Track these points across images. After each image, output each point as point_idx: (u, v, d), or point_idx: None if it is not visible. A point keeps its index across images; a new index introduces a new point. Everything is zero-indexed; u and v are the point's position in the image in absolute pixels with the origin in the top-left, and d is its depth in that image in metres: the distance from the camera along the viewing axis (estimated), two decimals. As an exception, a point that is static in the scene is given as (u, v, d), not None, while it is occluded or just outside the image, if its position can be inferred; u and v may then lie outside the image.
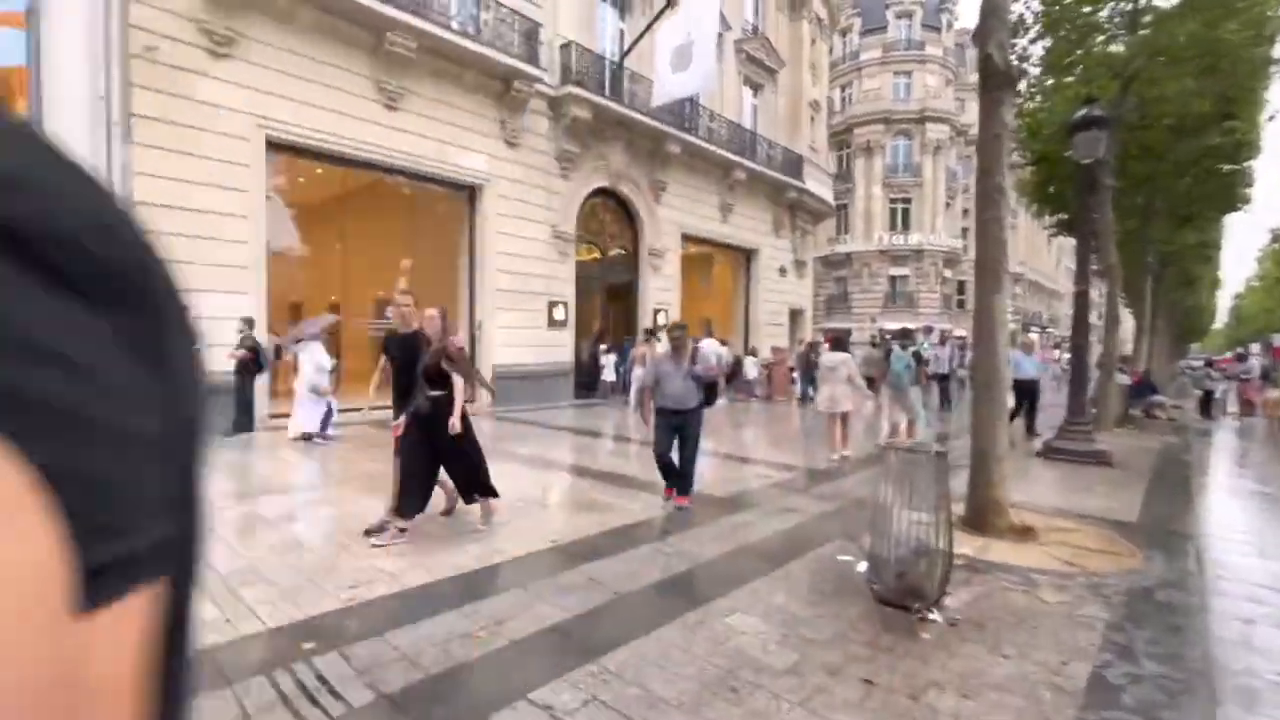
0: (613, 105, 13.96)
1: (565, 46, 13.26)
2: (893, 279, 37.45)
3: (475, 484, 4.51)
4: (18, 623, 0.17)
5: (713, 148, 17.00)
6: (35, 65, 7.48)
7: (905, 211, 37.06)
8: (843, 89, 39.19)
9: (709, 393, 5.24)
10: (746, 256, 20.50)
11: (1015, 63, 5.68)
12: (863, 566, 3.58)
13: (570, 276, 14.21)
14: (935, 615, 3.13)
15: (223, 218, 8.96)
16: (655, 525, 4.57)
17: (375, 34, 10.25)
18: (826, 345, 16.42)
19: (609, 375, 14.35)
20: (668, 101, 13.96)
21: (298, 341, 8.26)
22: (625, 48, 14.70)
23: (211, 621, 2.87)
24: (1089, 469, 7.26)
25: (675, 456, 5.10)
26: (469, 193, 12.48)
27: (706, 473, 6.57)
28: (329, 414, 8.49)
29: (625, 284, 16.37)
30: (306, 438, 8.22)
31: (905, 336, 10.73)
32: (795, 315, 22.94)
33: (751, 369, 16.44)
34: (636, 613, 3.09)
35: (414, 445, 4.21)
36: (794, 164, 20.50)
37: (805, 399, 14.57)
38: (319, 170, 11.77)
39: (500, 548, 4.02)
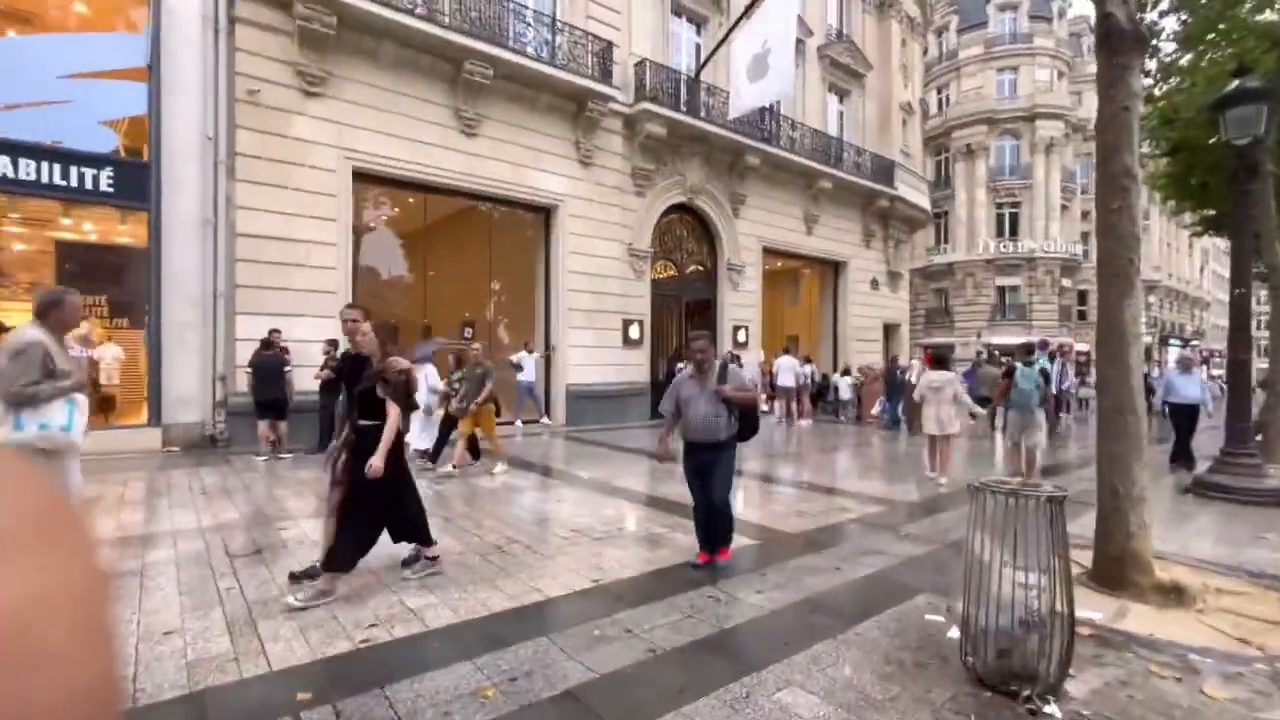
0: (687, 119, 13.70)
1: (639, 64, 13.20)
2: (1001, 290, 34.49)
3: (405, 529, 3.86)
4: (69, 636, 0.21)
5: (794, 157, 16.32)
6: (155, 113, 8.24)
7: (1014, 217, 34.15)
8: (939, 91, 37.01)
9: (746, 422, 4.21)
10: (834, 269, 19.47)
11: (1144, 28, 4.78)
12: (955, 632, 2.93)
13: (646, 294, 13.98)
14: (1052, 708, 2.45)
15: (313, 246, 9.46)
16: (710, 566, 4.09)
17: (453, 64, 10.60)
18: (925, 363, 15.15)
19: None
20: (745, 112, 13.51)
21: (415, 363, 8.43)
22: (701, 61, 14.43)
23: (218, 658, 2.73)
24: (1257, 510, 5.96)
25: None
26: (545, 214, 12.60)
27: (779, 505, 5.98)
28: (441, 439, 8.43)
29: (704, 301, 15.92)
30: (421, 455, 8.33)
31: (1029, 352, 9.14)
32: (890, 330, 21.50)
33: (845, 388, 15.41)
34: (670, 679, 2.64)
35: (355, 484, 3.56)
36: (885, 170, 19.33)
37: (895, 422, 13.35)
38: (410, 200, 12.33)
39: (539, 585, 3.70)
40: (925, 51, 38.48)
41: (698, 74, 14.44)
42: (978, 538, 2.64)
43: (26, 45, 7.56)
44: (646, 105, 12.96)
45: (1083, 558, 3.84)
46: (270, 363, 8.00)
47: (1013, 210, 34.13)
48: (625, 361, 13.49)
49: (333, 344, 9.02)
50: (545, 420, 12.25)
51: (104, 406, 8.71)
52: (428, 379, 8.32)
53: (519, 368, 11.77)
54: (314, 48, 9.32)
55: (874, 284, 20.17)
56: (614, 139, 13.16)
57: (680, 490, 6.01)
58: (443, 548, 4.12)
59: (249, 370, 7.99)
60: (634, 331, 13.60)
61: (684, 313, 15.57)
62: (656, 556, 4.29)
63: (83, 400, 3.43)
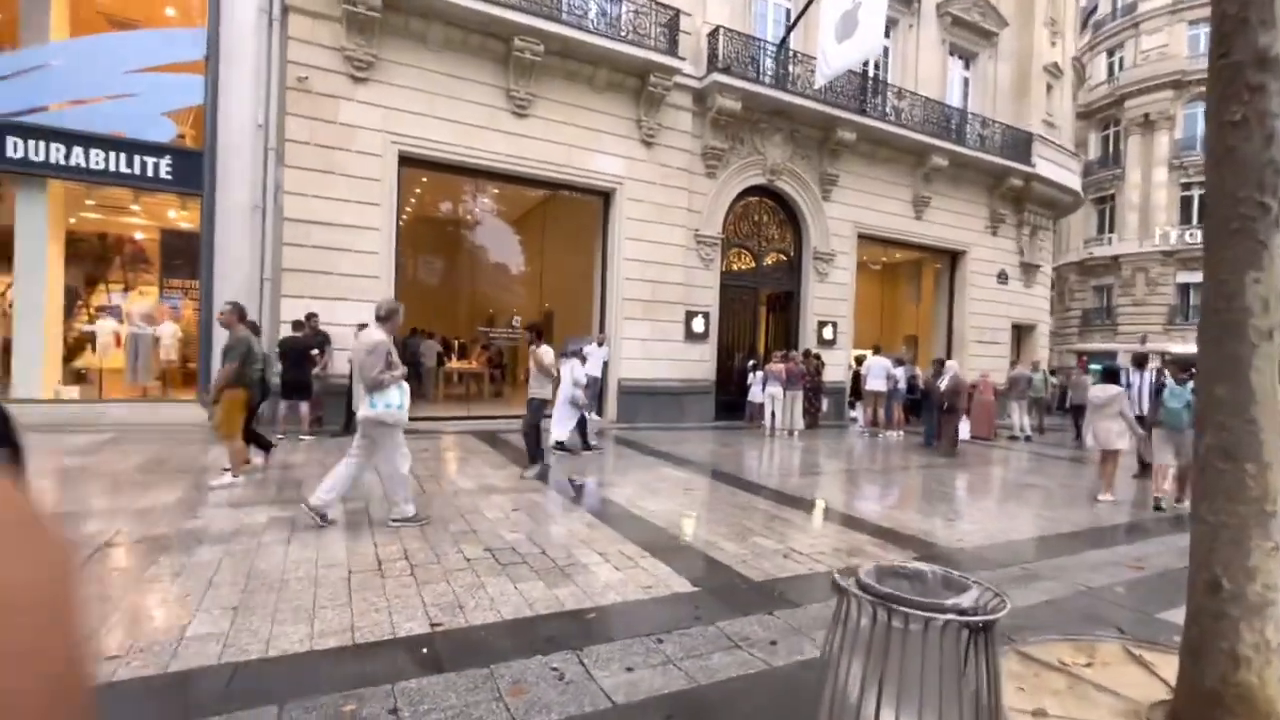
0: (766, 91, 12.37)
1: (713, 33, 12.09)
2: (1184, 288, 28.72)
3: None
4: (37, 628, 0.22)
5: (900, 130, 14.29)
6: (211, 103, 8.63)
7: (1203, 200, 28.22)
8: (1109, 53, 31.64)
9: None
10: (951, 259, 16.98)
11: None
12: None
13: (714, 284, 12.87)
14: None
15: (357, 231, 9.52)
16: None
17: (504, 42, 10.22)
18: (1079, 370, 12.58)
19: (756, 396, 12.57)
20: (832, 77, 11.91)
21: (563, 355, 8.37)
22: (788, 26, 12.98)
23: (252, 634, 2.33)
24: None
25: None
26: (604, 198, 11.94)
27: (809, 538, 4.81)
28: (582, 425, 8.54)
29: (785, 294, 14.46)
30: (559, 446, 8.22)
31: (1184, 369, 6.99)
32: (1023, 331, 18.46)
33: (899, 382, 13.09)
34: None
35: None
36: (1019, 144, 16.48)
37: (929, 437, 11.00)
38: (466, 186, 12.27)
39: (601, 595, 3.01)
40: (1088, 4, 33.01)
41: (783, 41, 13.03)
42: (844, 664, 1.51)
43: (99, 44, 8.20)
44: (717, 77, 11.83)
45: (1167, 670, 2.45)
46: (296, 344, 8.07)
47: (1202, 192, 28.22)
48: (686, 357, 12.49)
49: (363, 328, 9.01)
50: (594, 418, 11.59)
51: (162, 381, 9.34)
52: (574, 371, 8.14)
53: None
54: (362, 32, 9.33)
55: (1001, 277, 17.33)
56: (681, 116, 12.17)
57: (710, 533, 5.07)
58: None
59: (276, 351, 8.10)
60: (698, 325, 12.56)
61: (760, 306, 14.23)
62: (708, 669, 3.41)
63: (407, 386, 4.52)
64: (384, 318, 4.55)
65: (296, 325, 8.30)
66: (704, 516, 5.33)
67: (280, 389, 8.08)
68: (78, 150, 7.89)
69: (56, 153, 7.80)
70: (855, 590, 1.49)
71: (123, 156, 8.13)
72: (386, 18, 9.43)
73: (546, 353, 6.77)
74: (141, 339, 8.77)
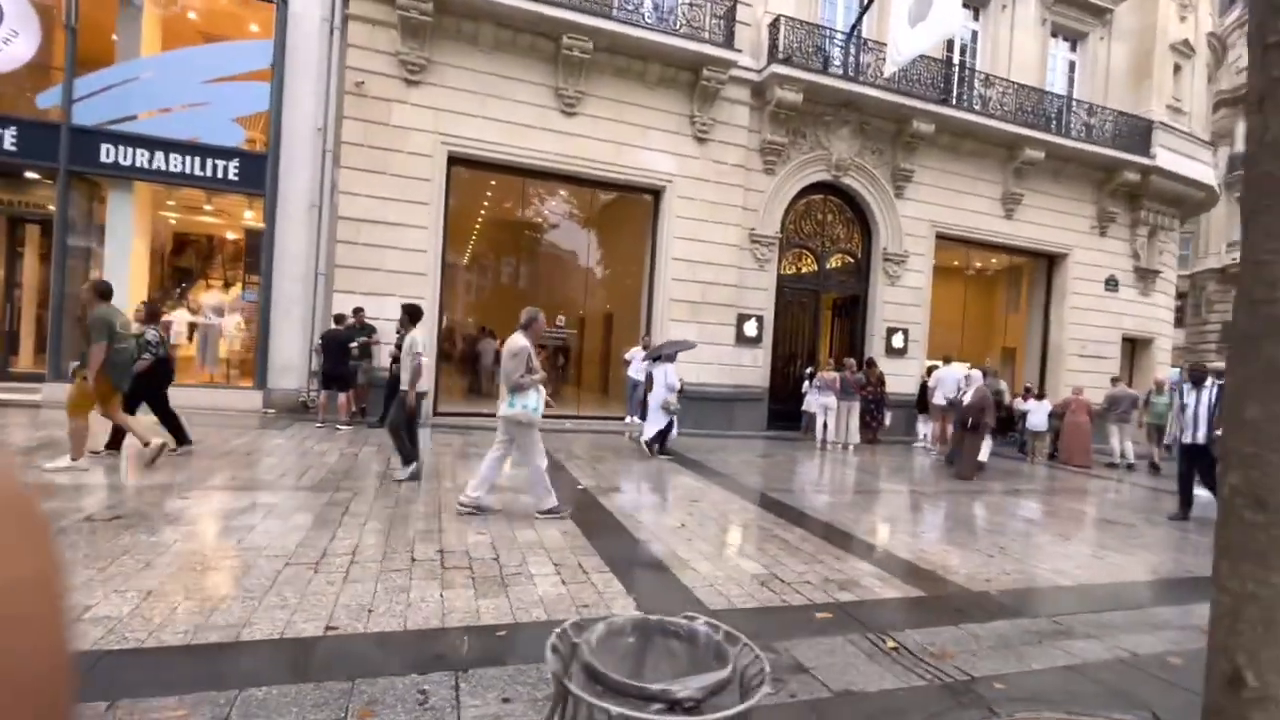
0: (830, 82, 11.62)
1: (774, 23, 11.52)
2: (1357, 300, 24.37)
3: None
4: (27, 623, 0.24)
5: (988, 121, 13.00)
6: (276, 109, 9.18)
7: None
8: (1266, 29, 27.44)
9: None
10: (1048, 263, 15.28)
11: None
12: None
13: (770, 286, 12.25)
14: None
15: (405, 229, 9.80)
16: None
17: (553, 41, 10.21)
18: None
19: (810, 405, 11.79)
20: (903, 65, 11.02)
21: (656, 359, 8.51)
22: (860, 12, 12.15)
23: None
24: None
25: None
26: (655, 196, 11.66)
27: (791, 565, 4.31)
28: (669, 429, 8.56)
29: (851, 298, 13.55)
30: (649, 445, 8.36)
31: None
32: (1138, 346, 16.32)
33: (1038, 416, 11.79)
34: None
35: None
36: (1136, 134, 14.58)
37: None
38: (512, 184, 12.37)
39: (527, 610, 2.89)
40: (1246, -20, 28.96)
41: (853, 29, 12.20)
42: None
43: (180, 58, 8.95)
44: (776, 69, 11.24)
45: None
46: (336, 337, 8.39)
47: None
48: (737, 362, 11.94)
49: (404, 323, 9.23)
50: (631, 419, 11.32)
51: (223, 368, 10.02)
52: (666, 376, 8.29)
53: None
54: (415, 36, 9.61)
55: (1110, 283, 15.38)
56: (738, 110, 11.67)
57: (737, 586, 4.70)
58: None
59: (319, 343, 8.44)
60: (750, 328, 11.98)
61: (822, 310, 13.40)
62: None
63: (544, 390, 4.91)
64: (525, 325, 4.90)
65: (337, 319, 8.63)
66: (695, 530, 4.90)
67: (320, 379, 8.43)
68: (159, 155, 8.62)
69: (141, 157, 8.56)
70: (553, 660, 1.11)
71: (197, 160, 8.80)
72: (439, 20, 9.66)
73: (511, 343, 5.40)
74: (210, 329, 9.48)
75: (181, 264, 10.44)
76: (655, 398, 8.45)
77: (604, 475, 6.91)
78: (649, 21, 10.67)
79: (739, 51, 11.02)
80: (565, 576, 3.66)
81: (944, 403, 11.11)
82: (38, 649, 0.24)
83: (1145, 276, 15.87)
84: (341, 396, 8.45)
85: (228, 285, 10.21)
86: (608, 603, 3.33)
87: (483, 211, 14.55)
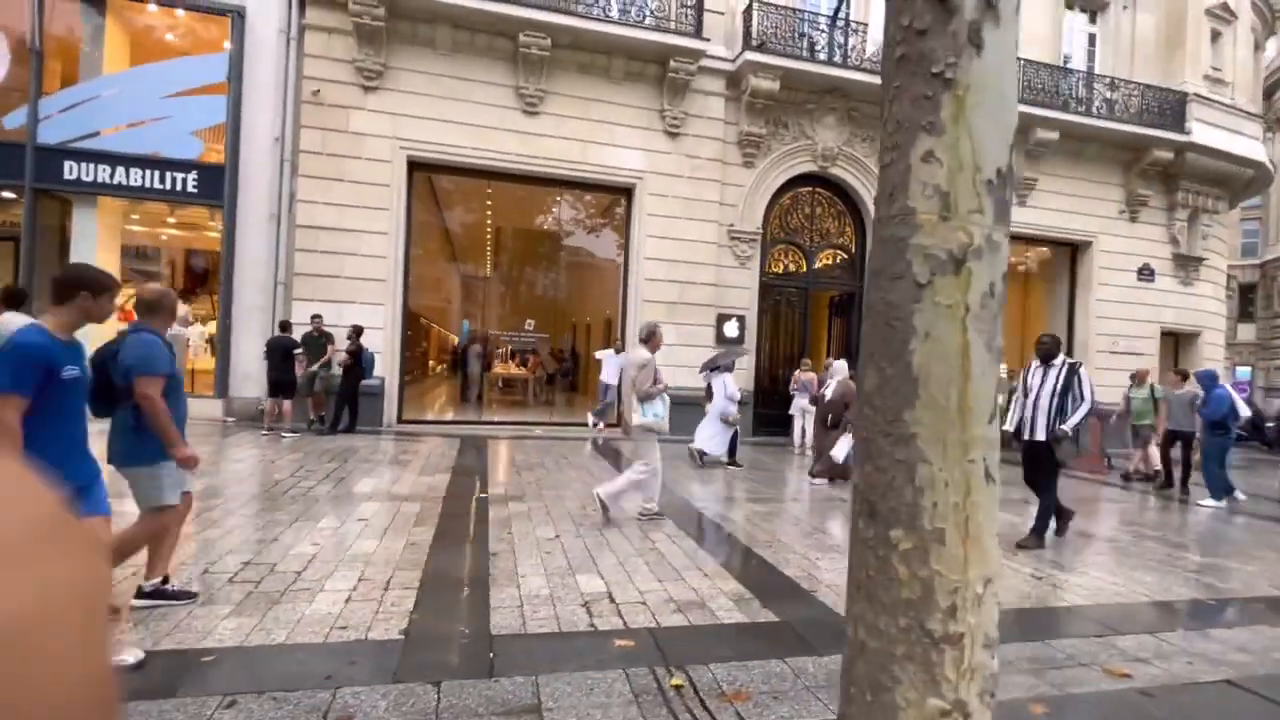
0: (809, 68, 11.02)
1: (747, 9, 11.02)
2: None
3: None
4: (71, 637, 0.24)
5: (991, 101, 12.05)
6: (233, 121, 9.28)
7: None
8: (1337, -8, 25.01)
9: None
10: (1071, 252, 14.10)
11: None
12: None
13: (752, 285, 11.66)
14: None
15: (363, 235, 9.74)
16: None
17: (510, 39, 10.02)
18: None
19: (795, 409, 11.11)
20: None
21: (713, 370, 8.48)
22: (842, -6, 11.51)
23: None
24: None
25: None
26: (626, 195, 11.29)
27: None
28: (735, 441, 8.43)
29: (847, 295, 12.78)
30: (700, 456, 8.28)
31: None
32: (1180, 340, 14.87)
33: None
34: None
35: None
36: (1169, 108, 13.32)
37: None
38: (488, 189, 12.24)
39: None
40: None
41: (836, 11, 11.57)
42: None
43: (141, 74, 9.16)
44: (750, 56, 10.73)
45: None
46: (280, 343, 8.33)
47: None
48: (718, 364, 11.37)
49: (357, 330, 9.14)
50: (595, 424, 10.91)
51: (190, 377, 10.13)
52: (726, 386, 8.24)
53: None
54: (371, 42, 9.58)
55: (1144, 272, 14.05)
56: (712, 102, 11.19)
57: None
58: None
59: (264, 351, 8.41)
60: (731, 329, 11.41)
61: (813, 309, 12.68)
62: None
63: (669, 399, 5.28)
64: (646, 339, 5.27)
65: (283, 325, 8.59)
66: (568, 543, 4.45)
67: (267, 386, 8.39)
68: (120, 170, 8.82)
69: (103, 173, 8.78)
70: None
71: (157, 174, 8.97)
72: (394, 25, 9.62)
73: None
74: (177, 339, 9.60)
75: (146, 276, 10.68)
76: (715, 409, 8.37)
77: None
78: (612, 15, 10.36)
79: (707, 40, 10.57)
80: (362, 595, 3.29)
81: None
82: (73, 661, 0.24)
83: (1186, 264, 14.44)
84: (287, 404, 8.37)
85: (190, 295, 10.38)
86: (363, 623, 2.94)
87: (450, 215, 14.49)
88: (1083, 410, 5.01)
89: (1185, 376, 8.88)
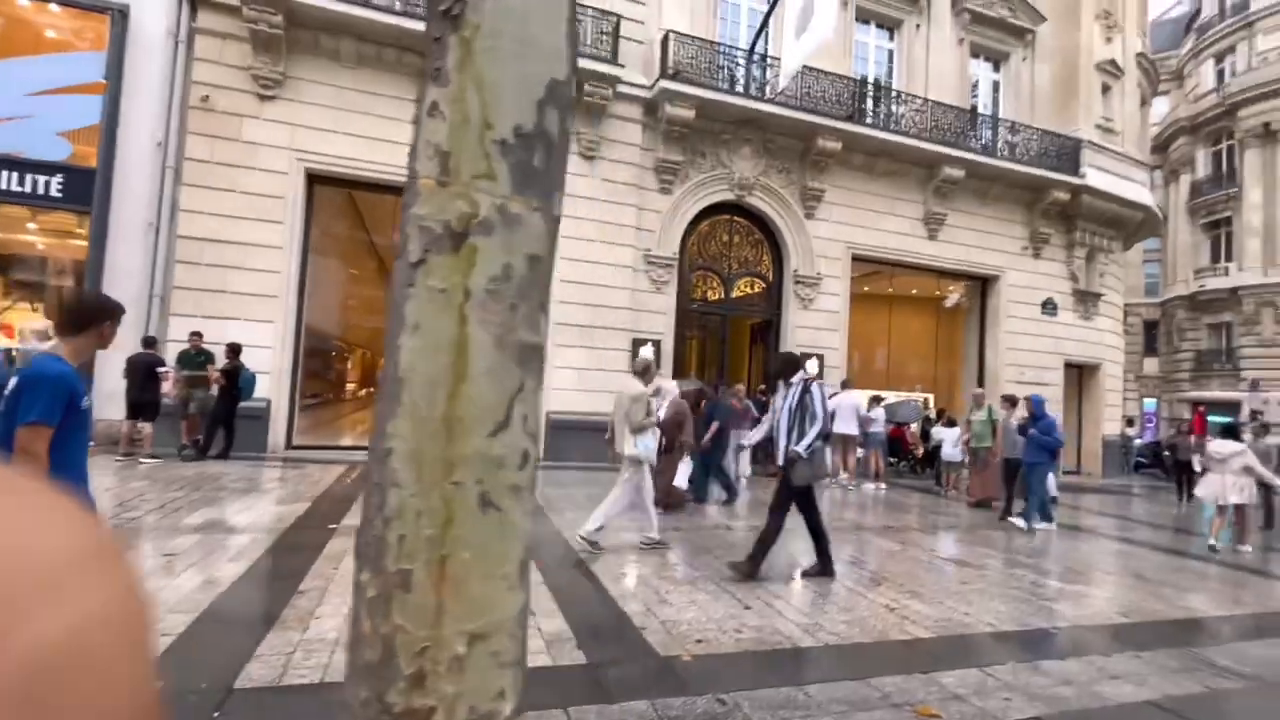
0: (724, 98, 11.20)
1: (665, 39, 11.16)
2: (1328, 326, 23.76)
3: None
4: (121, 655, 0.24)
5: (901, 139, 12.55)
6: (108, 123, 8.69)
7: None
8: (1217, 59, 27.68)
9: None
10: (981, 286, 14.65)
11: None
12: None
13: (669, 310, 11.59)
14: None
15: (254, 248, 9.21)
16: None
17: (419, 55, 9.75)
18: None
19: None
20: (791, 75, 10.61)
21: (897, 423, 8.09)
22: (758, 28, 11.82)
23: None
24: None
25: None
26: (542, 216, 11.10)
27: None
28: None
29: (765, 323, 12.87)
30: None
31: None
32: (1085, 372, 15.56)
33: (951, 447, 10.97)
34: None
35: None
36: (1065, 153, 14.13)
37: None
38: (386, 203, 11.86)
39: None
40: (1197, 15, 29.21)
41: (752, 46, 11.87)
42: None
43: (3, 69, 8.47)
44: (665, 84, 10.83)
45: None
46: (142, 361, 7.69)
47: (1345, 209, 23.60)
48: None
49: (234, 349, 8.56)
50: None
51: None
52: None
53: None
54: (268, 50, 9.21)
55: (1048, 306, 14.71)
56: (629, 128, 11.22)
57: None
58: None
59: (124, 369, 7.73)
60: (646, 353, 11.15)
61: (732, 336, 12.71)
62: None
63: (658, 431, 5.69)
64: (641, 372, 5.53)
65: (145, 342, 7.95)
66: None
67: (126, 408, 7.70)
68: (-28, 170, 8.09)
69: (-47, 173, 8.03)
70: None
71: (15, 175, 8.28)
72: (294, 35, 9.28)
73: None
74: (27, 356, 8.80)
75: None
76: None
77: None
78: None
79: (622, 66, 10.62)
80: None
81: (847, 431, 10.31)
82: (114, 690, 0.24)
83: (1086, 300, 15.21)
84: (148, 427, 7.69)
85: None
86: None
87: (357, 230, 14.02)
88: (814, 430, 4.68)
89: (1014, 403, 9.18)
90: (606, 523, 5.12)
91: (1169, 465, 16.49)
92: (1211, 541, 7.21)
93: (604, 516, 5.09)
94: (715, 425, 7.99)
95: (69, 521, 0.26)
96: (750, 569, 4.57)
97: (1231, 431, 7.96)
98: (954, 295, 15.24)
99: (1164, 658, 3.64)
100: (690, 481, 7.75)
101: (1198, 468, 9.80)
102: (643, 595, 4.12)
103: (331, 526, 5.28)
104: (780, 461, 4.83)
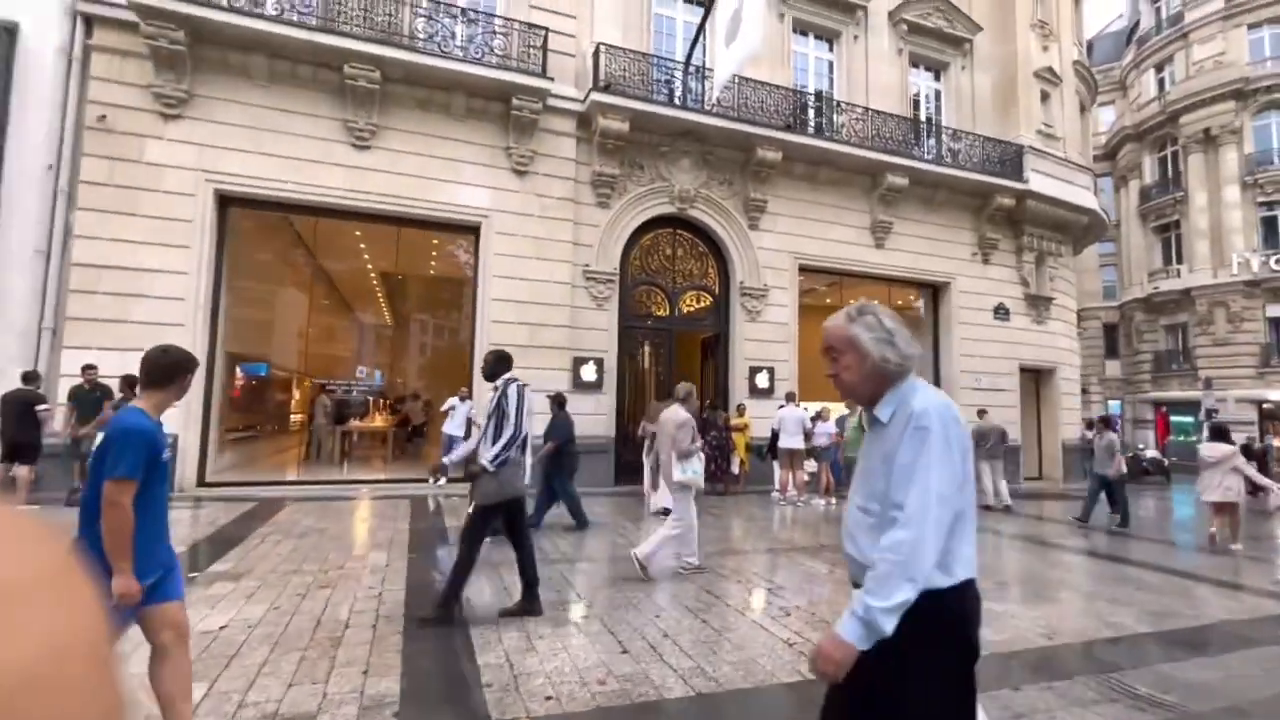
0: (657, 110, 11.01)
1: (595, 51, 10.97)
2: (1278, 324, 24.23)
3: None
4: (81, 683, 0.24)
5: (841, 148, 12.46)
6: (-3, 146, 8.17)
7: (1288, 218, 24.21)
8: (1158, 69, 28.52)
9: None
10: (932, 293, 14.56)
11: None
12: None
13: (610, 326, 11.23)
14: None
15: (162, 275, 8.67)
16: None
17: (335, 71, 9.46)
18: (1100, 427, 9.88)
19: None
20: (722, 85, 10.42)
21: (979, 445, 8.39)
22: (692, 41, 11.69)
23: None
24: None
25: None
26: (474, 234, 10.73)
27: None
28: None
29: (714, 337, 12.58)
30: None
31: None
32: (1042, 376, 15.50)
33: (823, 438, 10.35)
34: None
35: None
36: (1008, 159, 14.19)
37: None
38: (304, 226, 11.42)
39: None
40: (1136, 27, 30.18)
41: (688, 58, 11.71)
42: None
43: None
44: (597, 97, 10.60)
45: None
46: (20, 398, 7.08)
47: (1286, 210, 24.25)
48: (575, 410, 10.70)
49: (129, 381, 7.96)
50: (438, 480, 9.96)
51: None
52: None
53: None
54: (171, 68, 8.77)
55: (999, 312, 14.66)
56: (563, 142, 10.94)
57: None
58: None
59: (-1, 407, 7.11)
60: (588, 372, 10.87)
61: (677, 351, 12.37)
62: None
63: (704, 456, 6.02)
64: (683, 399, 5.60)
65: (25, 377, 7.35)
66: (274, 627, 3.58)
67: (1, 450, 7.06)
68: None
69: None
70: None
71: (-115, 202, 7.69)
72: (200, 52, 8.87)
73: None
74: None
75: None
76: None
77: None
78: (452, 50, 10.01)
79: (550, 80, 10.36)
80: None
81: (793, 446, 9.96)
82: (81, 715, 0.23)
83: (1038, 304, 15.19)
84: (24, 470, 7.06)
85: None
86: None
87: (295, 251, 13.48)
88: (505, 438, 3.96)
89: (1108, 424, 9.64)
90: (692, 547, 5.36)
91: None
92: (1212, 529, 7.71)
93: (689, 544, 5.32)
94: (552, 444, 7.57)
95: (32, 544, 0.25)
96: (444, 614, 3.86)
97: (1222, 434, 7.96)
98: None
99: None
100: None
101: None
102: (512, 640, 3.66)
103: (192, 575, 4.74)
104: (463, 475, 4.27)
